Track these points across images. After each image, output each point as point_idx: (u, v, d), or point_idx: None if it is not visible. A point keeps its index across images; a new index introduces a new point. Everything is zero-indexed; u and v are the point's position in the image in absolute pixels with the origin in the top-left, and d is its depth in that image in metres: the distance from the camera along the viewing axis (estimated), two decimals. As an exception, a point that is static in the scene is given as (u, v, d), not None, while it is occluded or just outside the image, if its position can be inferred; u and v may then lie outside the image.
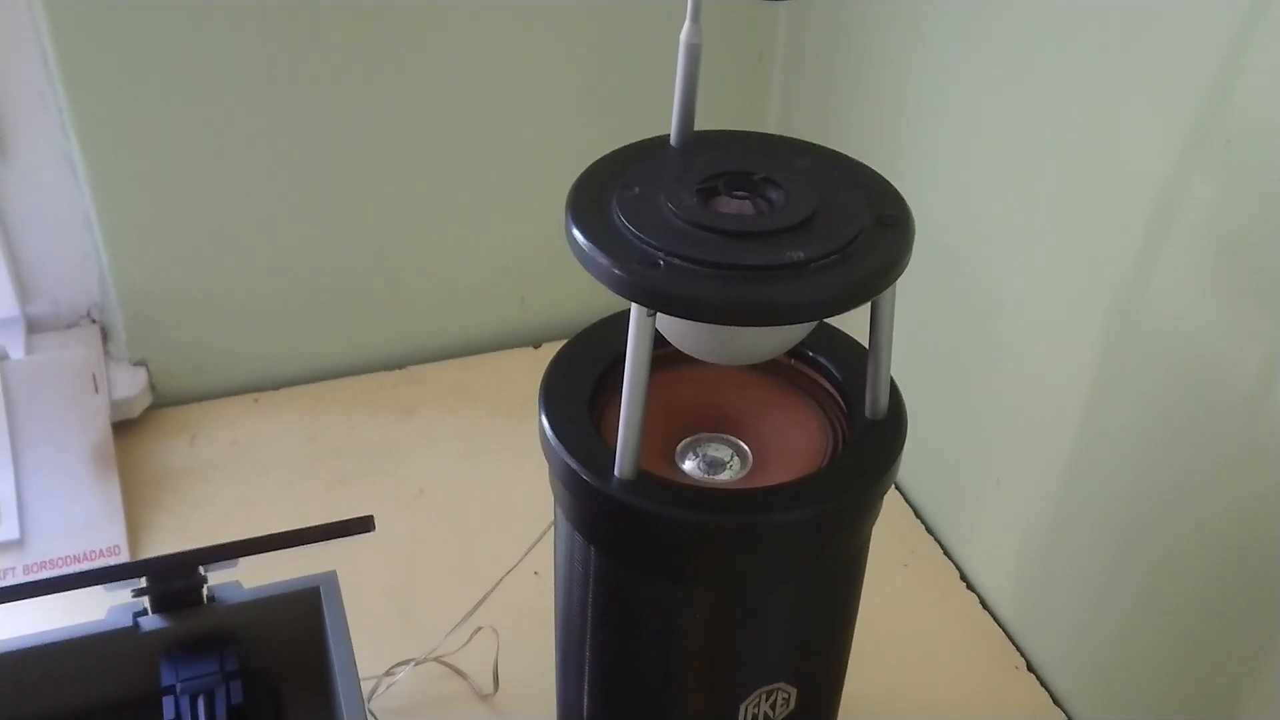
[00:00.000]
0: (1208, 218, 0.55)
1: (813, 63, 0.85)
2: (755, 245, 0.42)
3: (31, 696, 0.58)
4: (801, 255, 0.42)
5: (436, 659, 0.70)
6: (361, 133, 0.85)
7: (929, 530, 0.81)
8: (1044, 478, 0.69)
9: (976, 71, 0.69)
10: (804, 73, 0.87)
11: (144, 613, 0.59)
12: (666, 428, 0.52)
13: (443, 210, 0.90)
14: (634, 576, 0.49)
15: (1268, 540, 0.54)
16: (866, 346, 0.49)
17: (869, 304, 0.46)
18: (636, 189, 0.45)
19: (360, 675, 0.56)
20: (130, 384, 0.87)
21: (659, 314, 0.44)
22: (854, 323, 0.51)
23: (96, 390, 0.82)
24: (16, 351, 0.84)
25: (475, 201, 0.91)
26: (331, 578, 0.61)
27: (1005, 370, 0.71)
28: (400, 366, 0.94)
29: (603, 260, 0.42)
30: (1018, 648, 0.73)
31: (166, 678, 0.58)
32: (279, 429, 0.88)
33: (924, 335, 0.76)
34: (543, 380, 0.51)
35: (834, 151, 0.49)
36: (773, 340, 0.45)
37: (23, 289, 0.87)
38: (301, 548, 0.60)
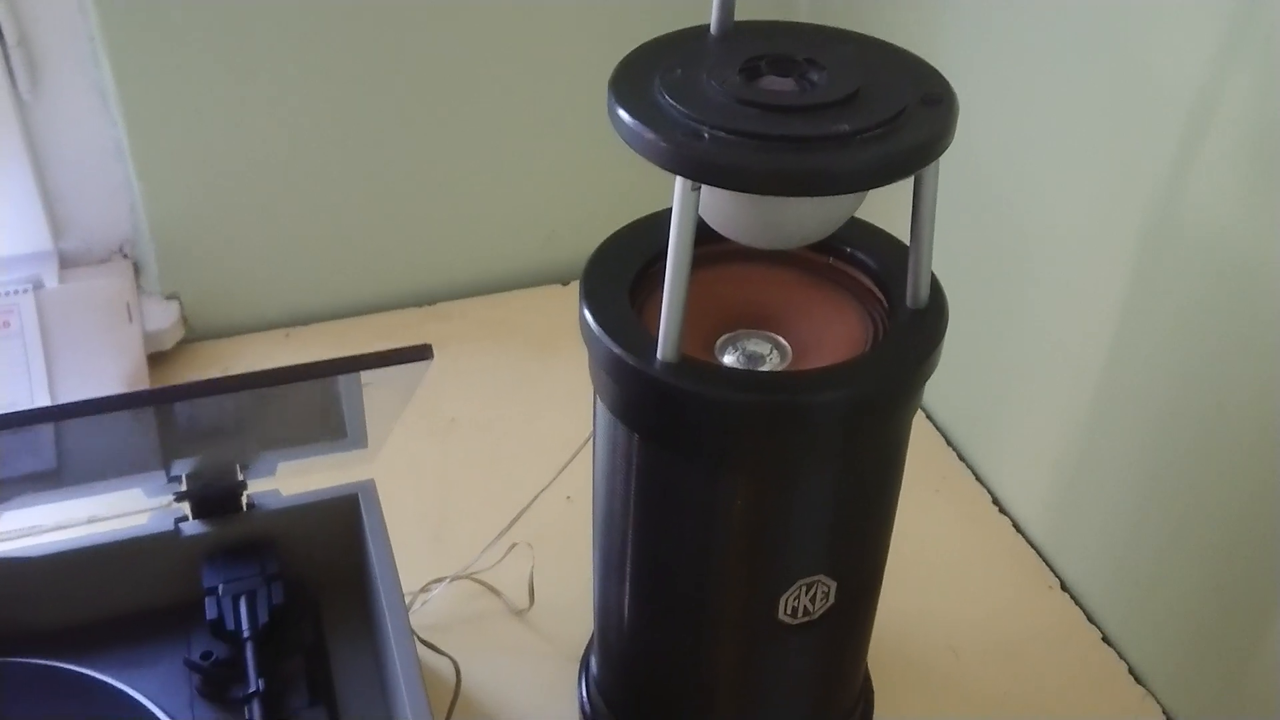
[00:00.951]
0: (1247, 118, 0.55)
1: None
2: (800, 119, 0.42)
3: (76, 600, 0.59)
4: (847, 127, 0.42)
5: (470, 576, 0.71)
6: (392, 66, 0.85)
7: (960, 457, 0.81)
8: (1077, 398, 0.69)
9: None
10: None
11: (184, 519, 0.60)
12: (706, 324, 0.52)
13: (472, 146, 0.90)
14: (676, 463, 0.49)
15: (1308, 439, 0.54)
16: (905, 243, 0.49)
17: (909, 197, 0.47)
18: (679, 71, 0.45)
19: (397, 587, 0.57)
20: (162, 317, 0.87)
21: (703, 197, 0.44)
22: (892, 220, 0.51)
23: (130, 320, 0.82)
24: (51, 284, 0.85)
25: (504, 138, 0.91)
26: (370, 486, 0.62)
27: (1037, 289, 0.71)
28: (429, 303, 0.94)
29: (648, 134, 0.42)
30: (1051, 568, 0.73)
31: (208, 580, 0.58)
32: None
33: (952, 256, 0.76)
34: (584, 272, 0.51)
35: (876, 39, 0.49)
36: (816, 218, 0.45)
37: (55, 223, 0.87)
38: (336, 462, 0.61)
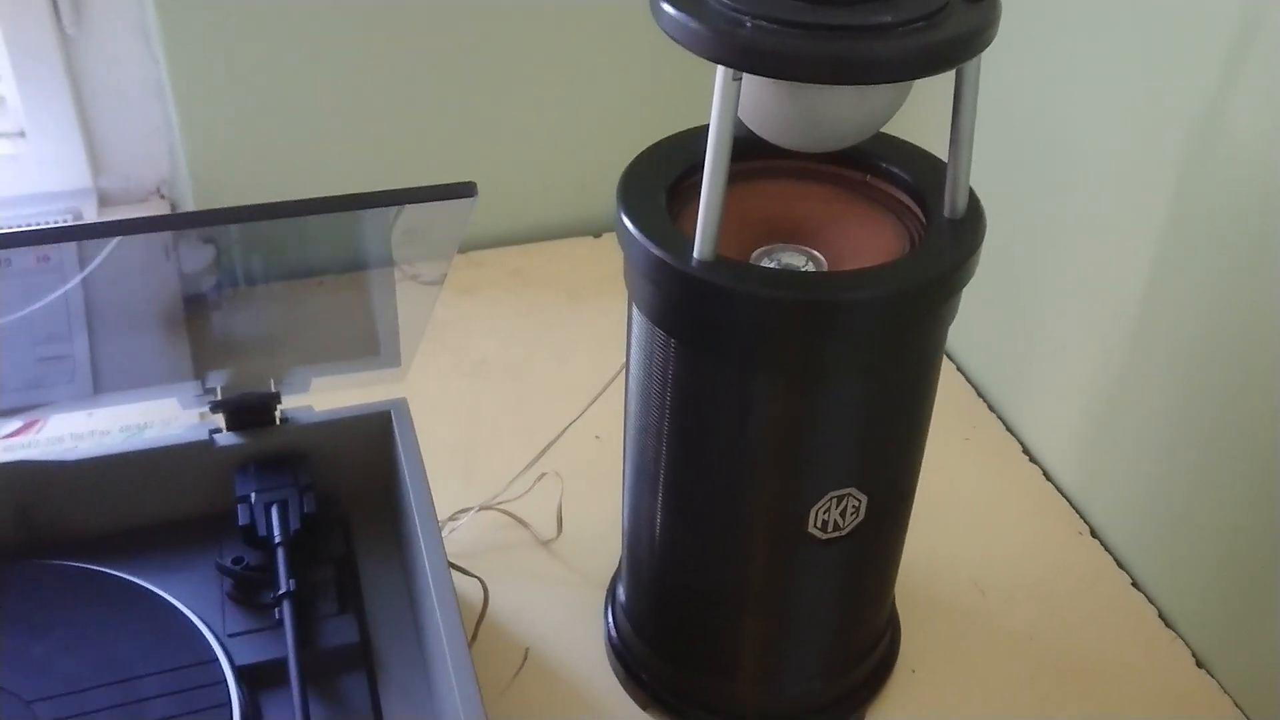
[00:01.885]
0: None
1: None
2: (841, 10, 0.42)
3: (111, 506, 0.59)
4: (889, 19, 0.42)
5: (497, 507, 0.71)
6: (430, 16, 0.85)
7: (990, 407, 0.81)
8: (1106, 344, 0.69)
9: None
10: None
11: (218, 430, 0.61)
12: (741, 237, 0.52)
13: (505, 97, 0.90)
14: (711, 368, 0.49)
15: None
16: (941, 159, 0.49)
17: (943, 120, 0.46)
18: (721, -32, 0.45)
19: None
20: (198, 259, 0.88)
21: (743, 95, 0.44)
22: (927, 141, 0.51)
23: (168, 257, 0.83)
24: (91, 219, 0.86)
25: (537, 89, 0.91)
26: (402, 403, 0.62)
27: (1067, 230, 0.71)
28: (461, 251, 0.94)
29: (691, 24, 0.42)
30: (1080, 514, 0.73)
31: (241, 488, 0.59)
32: (342, 307, 0.89)
33: (982, 198, 0.76)
34: (621, 180, 0.51)
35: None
36: (855, 115, 0.45)
37: (95, 161, 0.88)
38: (367, 380, 0.61)
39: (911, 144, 0.54)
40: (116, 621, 0.54)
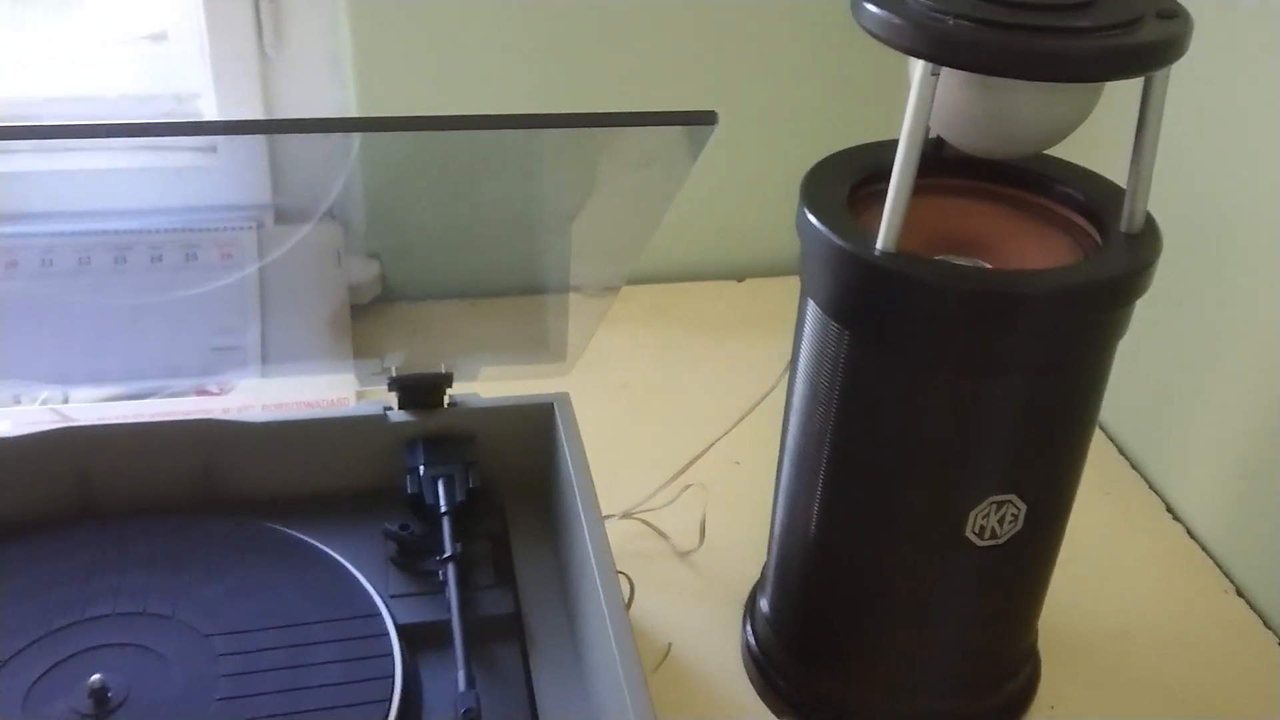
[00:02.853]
0: None
1: None
2: (1040, 14, 0.45)
3: (287, 469, 0.62)
4: (1086, 24, 0.44)
5: (638, 516, 0.72)
6: (597, 58, 0.90)
7: (1132, 465, 0.80)
8: (1255, 403, 0.68)
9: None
10: None
11: (391, 408, 0.64)
12: (914, 245, 0.53)
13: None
14: (883, 361, 0.50)
15: None
16: (1118, 184, 0.50)
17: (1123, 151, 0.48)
18: (920, -22, 0.48)
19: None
20: (363, 272, 0.92)
21: (935, 98, 0.46)
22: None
23: (338, 265, 0.88)
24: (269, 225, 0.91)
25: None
26: (565, 397, 0.64)
27: (1222, 283, 0.71)
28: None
29: (895, 20, 0.45)
30: (1226, 574, 0.72)
31: (410, 460, 0.62)
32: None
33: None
34: (803, 182, 0.53)
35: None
36: (1044, 120, 0.47)
37: (276, 179, 0.94)
38: (532, 373, 0.64)
39: (1086, 169, 0.55)
40: (286, 574, 0.57)
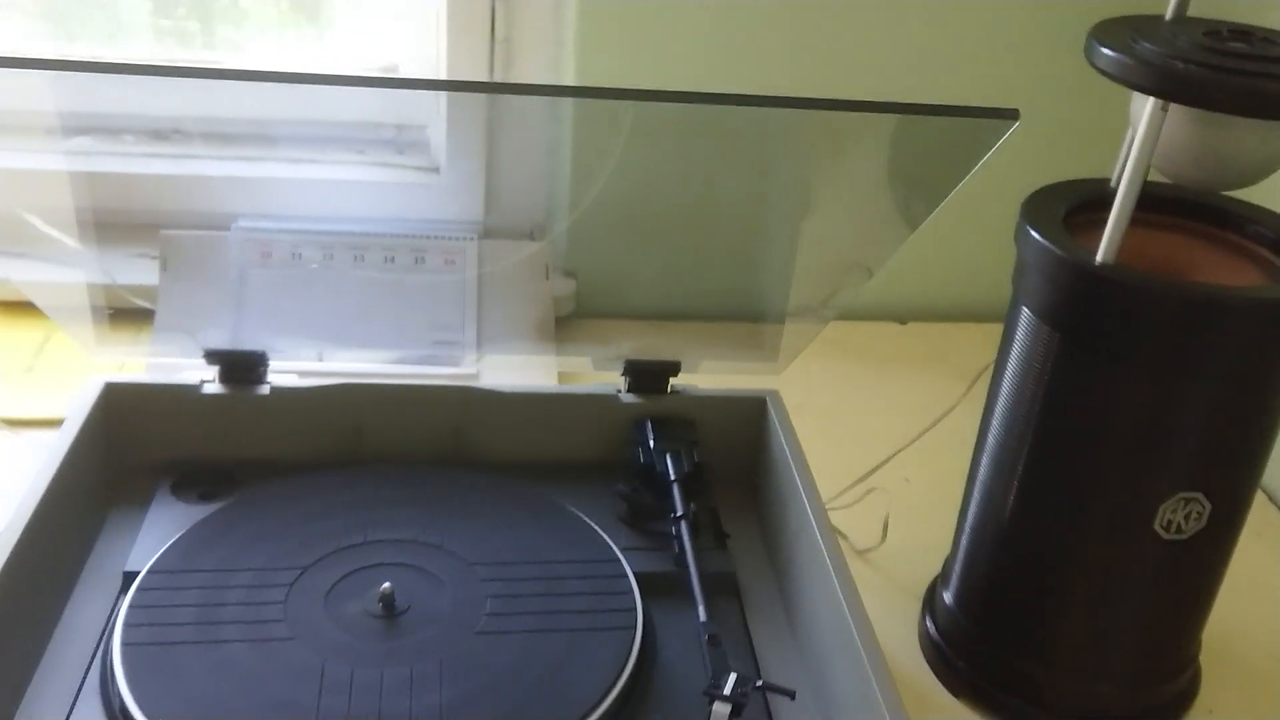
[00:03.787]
0: None
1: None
2: (1256, 63, 0.52)
3: (531, 435, 0.71)
4: (1301, 72, 0.51)
5: (822, 515, 0.79)
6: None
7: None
8: None
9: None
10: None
11: (621, 390, 0.72)
12: (1117, 269, 0.60)
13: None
14: (1090, 362, 0.57)
15: None
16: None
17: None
18: (1145, 31, 0.56)
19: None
20: (561, 287, 1.02)
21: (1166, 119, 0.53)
22: None
23: (546, 277, 0.97)
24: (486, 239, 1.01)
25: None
26: (777, 394, 0.72)
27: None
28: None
29: (1130, 61, 0.53)
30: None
31: (639, 435, 0.69)
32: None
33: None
34: (1024, 205, 0.61)
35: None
36: (1257, 154, 0.54)
37: (488, 200, 1.04)
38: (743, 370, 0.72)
39: (1271, 210, 0.62)
40: (533, 521, 0.65)
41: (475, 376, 0.90)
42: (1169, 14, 0.59)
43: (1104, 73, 0.54)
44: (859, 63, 0.99)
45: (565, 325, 1.01)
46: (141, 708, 0.51)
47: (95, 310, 0.69)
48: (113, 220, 0.74)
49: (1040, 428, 0.60)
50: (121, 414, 0.67)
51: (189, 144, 1.04)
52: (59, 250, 0.68)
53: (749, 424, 0.72)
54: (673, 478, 0.66)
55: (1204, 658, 0.70)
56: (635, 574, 0.62)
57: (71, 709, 0.53)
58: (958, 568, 0.68)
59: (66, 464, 0.60)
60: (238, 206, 0.83)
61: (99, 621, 0.58)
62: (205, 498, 0.66)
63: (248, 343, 0.71)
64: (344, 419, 0.69)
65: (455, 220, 1.04)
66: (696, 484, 0.67)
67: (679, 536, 0.63)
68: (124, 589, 0.59)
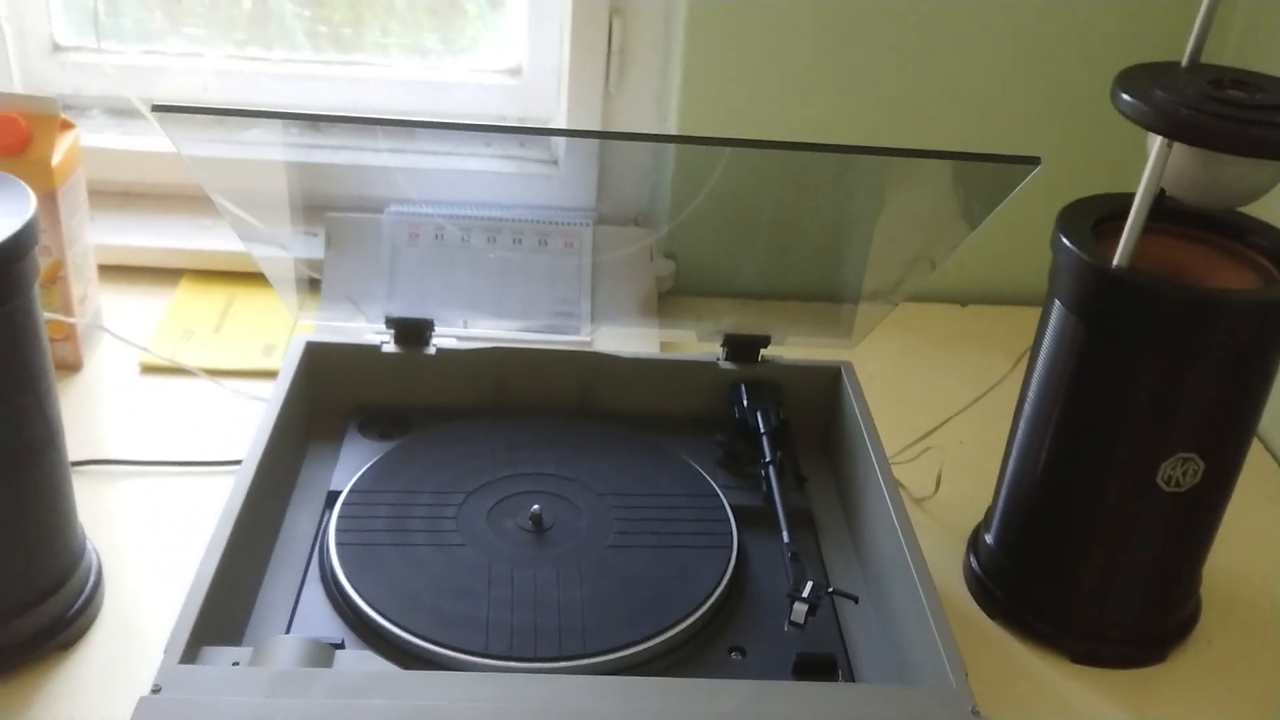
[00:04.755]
0: None
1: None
2: (1252, 111, 0.65)
3: (642, 394, 0.85)
4: (1283, 119, 0.64)
5: (886, 469, 0.93)
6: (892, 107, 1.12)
7: (1289, 477, 0.97)
8: None
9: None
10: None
11: (718, 359, 0.86)
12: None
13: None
14: (1110, 347, 0.70)
15: None
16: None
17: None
18: (1160, 79, 0.68)
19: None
20: (661, 269, 1.16)
21: (1169, 164, 0.66)
22: None
23: (651, 259, 1.12)
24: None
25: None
26: (850, 364, 0.86)
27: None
28: (851, 300, 1.19)
29: (1143, 106, 0.66)
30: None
31: (734, 396, 0.84)
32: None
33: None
34: (1058, 217, 0.74)
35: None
36: (1248, 181, 0.67)
37: (601, 189, 1.18)
38: (820, 344, 0.86)
39: (1268, 223, 0.74)
40: (648, 462, 0.80)
41: (589, 344, 1.05)
42: (1184, 61, 0.72)
43: (1123, 114, 0.67)
44: (935, 101, 1.12)
45: (665, 301, 1.16)
46: (357, 591, 0.67)
47: (299, 281, 0.85)
48: (300, 203, 0.90)
49: (1068, 399, 0.74)
50: (319, 367, 0.83)
51: (349, 136, 1.20)
52: (272, 230, 0.84)
53: (826, 389, 0.86)
54: (762, 430, 0.81)
55: (1207, 599, 0.83)
56: (731, 506, 0.77)
57: (299, 590, 0.70)
58: (998, 514, 0.82)
59: (283, 406, 0.77)
60: (388, 192, 0.99)
61: (311, 528, 0.75)
62: (384, 435, 0.82)
63: (405, 311, 0.86)
64: (492, 375, 0.85)
65: (574, 207, 1.19)
66: (781, 437, 0.82)
67: (767, 478, 0.78)
68: (328, 504, 0.76)
